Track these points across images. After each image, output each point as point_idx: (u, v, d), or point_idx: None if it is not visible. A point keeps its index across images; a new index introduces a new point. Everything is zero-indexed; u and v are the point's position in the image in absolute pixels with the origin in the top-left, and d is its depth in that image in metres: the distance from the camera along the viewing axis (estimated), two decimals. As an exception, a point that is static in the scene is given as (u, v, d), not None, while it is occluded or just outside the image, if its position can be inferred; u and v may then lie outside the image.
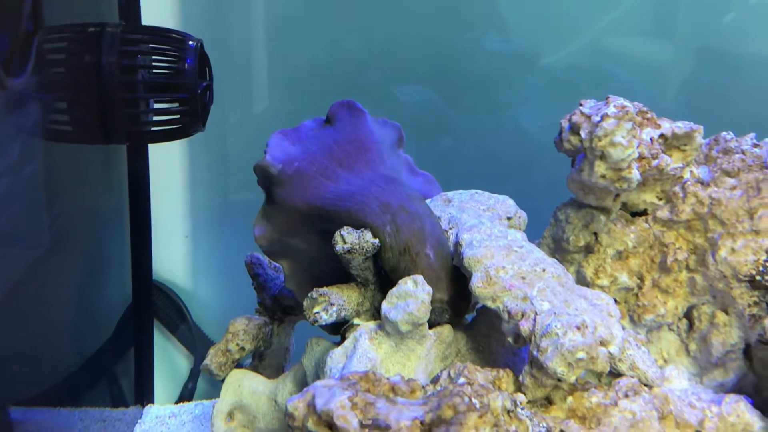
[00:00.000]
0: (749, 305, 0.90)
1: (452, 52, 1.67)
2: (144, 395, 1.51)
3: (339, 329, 1.00)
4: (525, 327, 0.80)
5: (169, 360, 1.68)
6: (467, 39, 1.67)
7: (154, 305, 1.61)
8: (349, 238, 0.90)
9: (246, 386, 1.05)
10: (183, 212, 1.70)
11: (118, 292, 1.58)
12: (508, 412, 0.68)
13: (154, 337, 1.59)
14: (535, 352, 0.78)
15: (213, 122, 1.33)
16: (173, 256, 1.70)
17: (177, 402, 1.55)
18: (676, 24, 1.67)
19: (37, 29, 0.88)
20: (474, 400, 0.63)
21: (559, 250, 1.02)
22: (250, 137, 1.70)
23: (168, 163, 1.64)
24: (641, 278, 0.96)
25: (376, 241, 0.91)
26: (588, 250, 0.99)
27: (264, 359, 1.19)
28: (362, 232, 0.91)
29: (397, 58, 1.68)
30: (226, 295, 1.73)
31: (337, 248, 0.90)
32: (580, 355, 0.76)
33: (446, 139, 1.74)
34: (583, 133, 0.90)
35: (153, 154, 1.53)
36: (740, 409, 0.83)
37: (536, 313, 0.80)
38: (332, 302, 0.92)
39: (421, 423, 0.63)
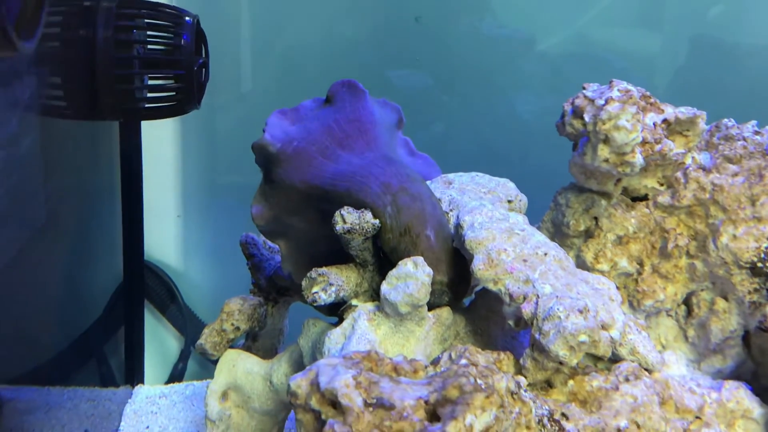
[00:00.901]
0: (749, 292, 0.90)
1: (447, 37, 1.66)
2: (134, 375, 1.50)
3: (336, 310, 0.99)
4: (527, 310, 0.80)
5: (159, 341, 1.67)
6: (462, 23, 1.66)
7: (145, 285, 1.60)
8: (349, 218, 0.89)
9: (240, 366, 1.04)
10: (174, 192, 1.69)
11: (108, 271, 1.57)
12: (512, 393, 0.67)
13: (144, 318, 1.57)
14: (537, 335, 0.77)
15: (205, 102, 1.31)
16: (164, 236, 1.68)
17: (167, 383, 1.55)
18: (664, 15, 1.67)
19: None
20: (479, 381, 0.63)
21: (558, 235, 1.01)
22: (242, 118, 1.69)
23: (159, 143, 1.63)
24: (641, 263, 0.96)
25: (377, 221, 0.90)
26: (588, 234, 0.98)
27: (258, 340, 1.18)
28: (362, 212, 0.90)
29: (391, 41, 1.67)
30: (217, 277, 1.72)
31: (337, 228, 0.89)
32: (583, 338, 0.75)
33: (440, 124, 1.73)
34: (586, 117, 0.90)
35: (144, 133, 1.51)
36: (740, 395, 0.83)
37: (538, 296, 0.80)
38: (331, 282, 0.91)
39: (426, 403, 0.62)
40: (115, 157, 1.49)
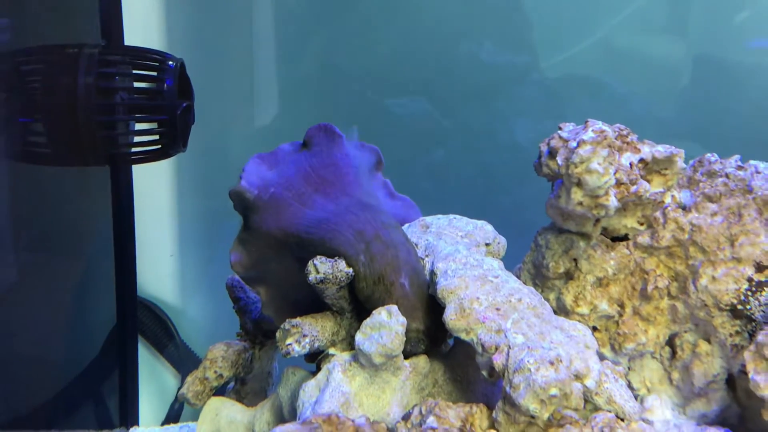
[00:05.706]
0: (731, 335, 0.88)
1: (447, 63, 1.66)
2: (128, 417, 1.50)
3: (316, 357, 0.98)
4: (498, 361, 0.78)
5: (156, 379, 1.67)
6: (462, 50, 1.66)
7: (140, 324, 1.59)
8: (322, 268, 0.88)
9: (223, 415, 1.03)
10: (171, 228, 1.69)
11: (104, 310, 1.56)
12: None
13: (140, 357, 1.57)
14: (507, 389, 0.76)
15: (200, 141, 1.31)
16: (162, 273, 1.68)
17: (163, 424, 1.54)
18: (668, 36, 1.65)
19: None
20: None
21: (539, 277, 0.99)
22: (238, 155, 1.69)
23: (155, 180, 1.63)
24: (622, 305, 0.94)
25: (350, 270, 0.89)
26: (568, 276, 0.97)
27: (246, 384, 1.17)
28: (336, 261, 0.89)
29: (390, 69, 1.67)
30: (216, 312, 1.72)
31: (310, 278, 0.88)
32: (553, 391, 0.74)
33: (440, 150, 1.73)
34: (559, 159, 0.88)
35: (140, 171, 1.52)
36: (721, 443, 0.81)
37: (509, 347, 0.78)
38: (305, 333, 0.90)
39: (382, 471, 0.61)
40: (108, 198, 1.49)
